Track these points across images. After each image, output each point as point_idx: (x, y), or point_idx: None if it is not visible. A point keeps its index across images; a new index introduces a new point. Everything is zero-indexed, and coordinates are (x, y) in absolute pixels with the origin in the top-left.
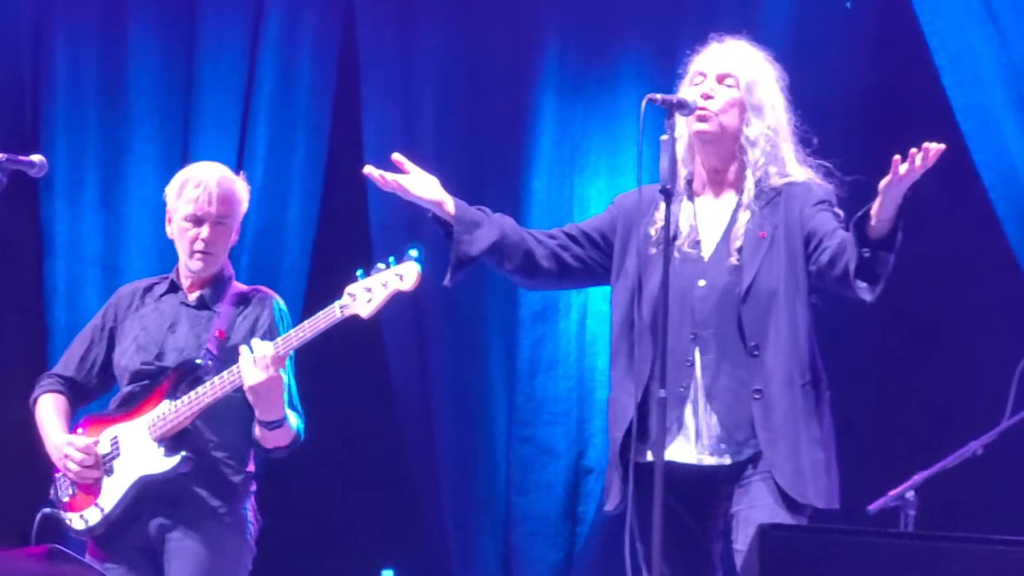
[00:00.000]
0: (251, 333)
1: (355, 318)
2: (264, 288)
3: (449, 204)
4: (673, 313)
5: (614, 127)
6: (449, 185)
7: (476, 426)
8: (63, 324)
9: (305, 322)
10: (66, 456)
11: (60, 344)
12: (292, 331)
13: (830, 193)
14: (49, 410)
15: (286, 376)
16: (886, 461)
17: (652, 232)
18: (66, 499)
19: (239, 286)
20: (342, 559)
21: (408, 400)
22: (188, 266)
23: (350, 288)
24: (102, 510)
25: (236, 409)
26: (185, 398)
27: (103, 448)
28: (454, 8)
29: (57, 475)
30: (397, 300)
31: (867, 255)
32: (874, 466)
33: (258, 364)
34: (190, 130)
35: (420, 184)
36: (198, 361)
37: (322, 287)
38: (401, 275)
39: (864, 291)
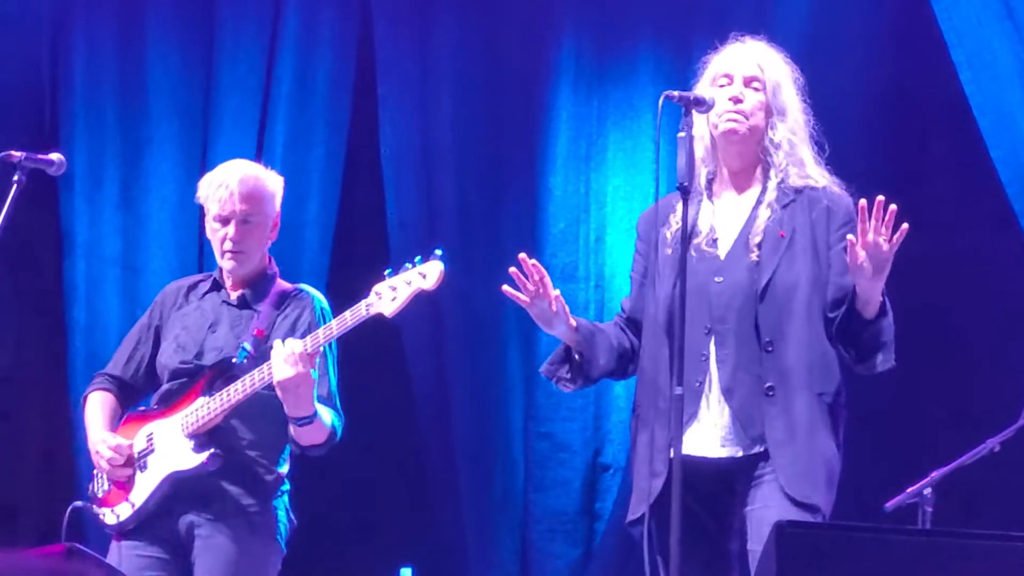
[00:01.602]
0: (291, 333)
1: (378, 316)
2: (307, 287)
3: (572, 334)
4: (690, 309)
5: (630, 124)
6: (467, 183)
7: (494, 423)
8: (82, 323)
9: (333, 320)
10: (97, 453)
11: (79, 343)
12: (320, 329)
13: (849, 211)
14: (94, 407)
15: (318, 374)
16: (903, 458)
17: (668, 235)
18: (101, 494)
19: (283, 284)
20: (361, 557)
21: (426, 397)
22: (223, 266)
23: (377, 287)
24: (133, 505)
25: (271, 408)
26: (219, 395)
27: (139, 444)
28: (470, 6)
29: (96, 471)
30: (416, 299)
31: (869, 340)
32: (891, 463)
33: (287, 361)
34: (209, 129)
35: (549, 319)
36: (234, 359)
37: (341, 285)
38: (424, 274)
39: (882, 364)
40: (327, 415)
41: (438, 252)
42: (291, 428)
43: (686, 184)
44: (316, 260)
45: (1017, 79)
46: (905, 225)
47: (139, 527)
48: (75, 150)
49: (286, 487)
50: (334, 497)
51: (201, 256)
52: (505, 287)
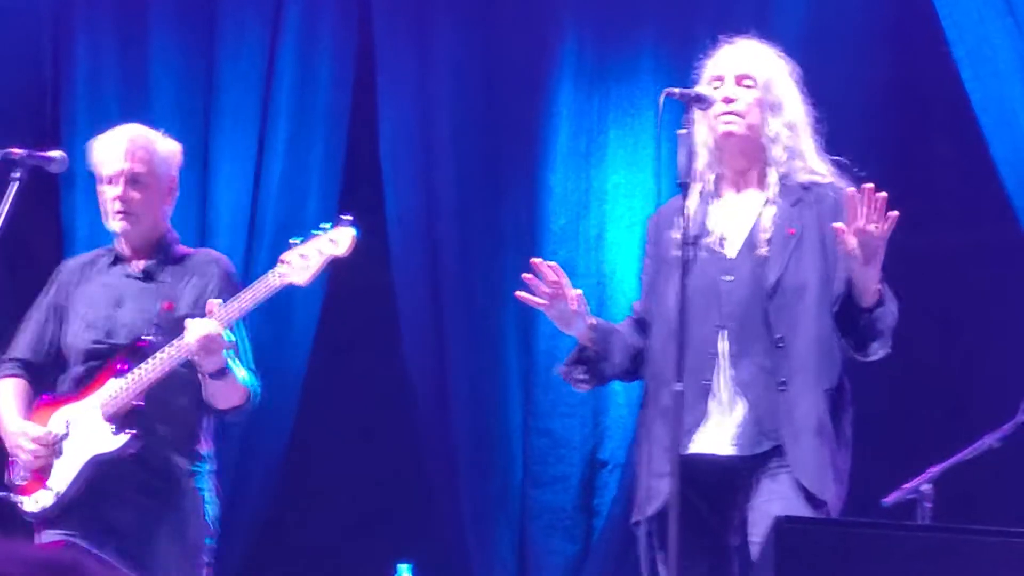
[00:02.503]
0: (199, 300)
1: (291, 286)
2: (211, 251)
3: (590, 333)
4: (699, 308)
5: (631, 121)
6: (467, 179)
7: (492, 419)
8: None
9: (243, 292)
10: (18, 445)
11: None
12: (231, 302)
13: None
14: (6, 395)
15: (231, 336)
16: (902, 454)
17: (676, 236)
18: (20, 483)
19: (184, 250)
20: (359, 553)
21: (425, 393)
22: (111, 228)
23: (285, 255)
24: (55, 492)
25: (188, 384)
26: (132, 375)
27: (57, 429)
28: (470, 3)
29: (11, 458)
30: (413, 294)
31: (867, 327)
32: (890, 459)
33: (200, 344)
34: (210, 126)
35: (569, 319)
36: (146, 336)
37: (341, 282)
38: (335, 240)
39: (875, 352)
40: (240, 370)
41: (347, 217)
42: (206, 390)
43: (686, 181)
44: None
45: (1018, 75)
46: (895, 212)
47: (62, 514)
48: (76, 148)
49: (210, 466)
50: (333, 492)
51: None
52: (519, 293)
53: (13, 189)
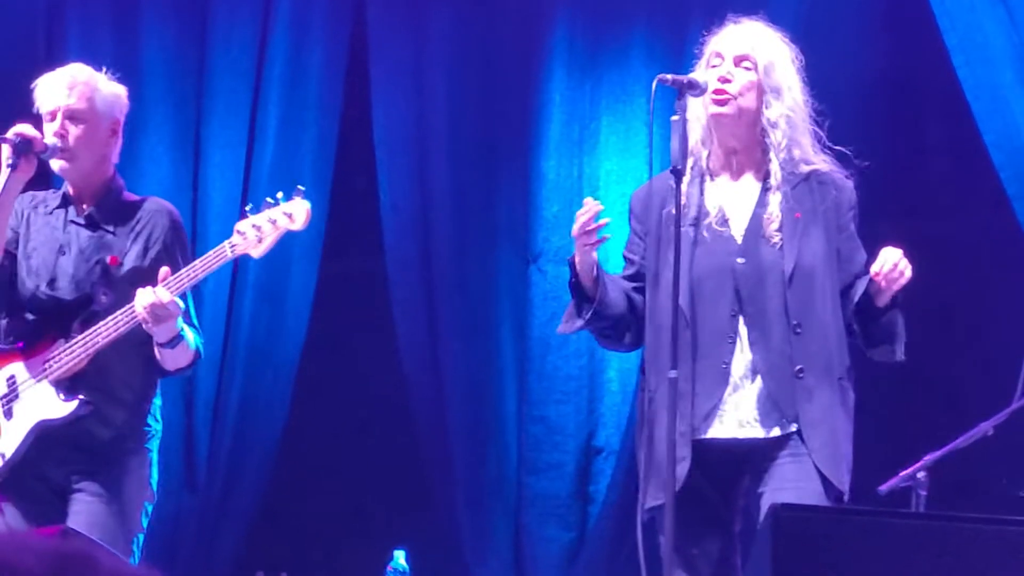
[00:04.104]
0: (145, 252)
1: (245, 256)
2: (159, 200)
3: (593, 267)
4: (711, 289)
5: (623, 107)
6: (460, 166)
7: (487, 406)
8: None
9: (196, 261)
10: None
11: None
12: (183, 271)
13: (854, 195)
14: None
15: (182, 304)
16: (897, 441)
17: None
18: None
19: (130, 197)
20: (355, 540)
21: (419, 380)
22: (52, 166)
23: (239, 225)
24: (3, 455)
25: (135, 347)
26: (81, 339)
27: (0, 388)
28: None
29: None
30: (407, 282)
31: (883, 327)
32: (885, 446)
33: (149, 312)
34: (202, 112)
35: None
36: (93, 297)
37: (334, 270)
38: (291, 214)
39: (890, 355)
40: (190, 335)
41: (301, 188)
42: (157, 353)
43: (680, 167)
44: (309, 244)
45: (1009, 63)
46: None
47: (11, 480)
48: None
49: (157, 428)
50: (328, 481)
51: (194, 237)
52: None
53: (6, 175)
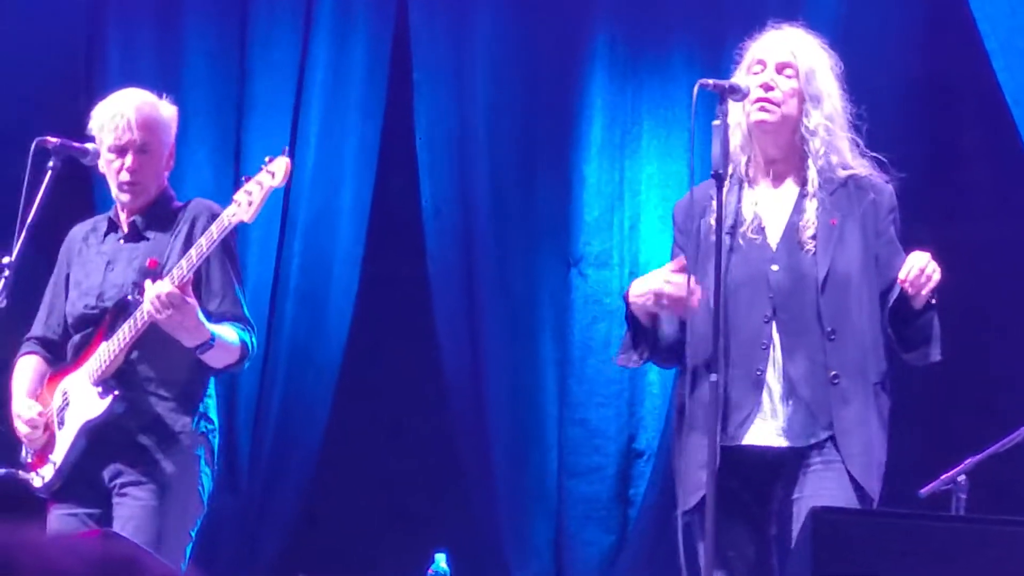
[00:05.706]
0: (186, 248)
1: (240, 223)
2: (200, 200)
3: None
4: (746, 297)
5: (664, 112)
6: (501, 170)
7: (528, 409)
8: None
9: (201, 238)
10: (18, 427)
11: None
12: (184, 258)
13: (893, 199)
14: (18, 374)
15: (215, 293)
16: (937, 445)
17: (712, 222)
18: (29, 459)
19: (178, 204)
20: (396, 542)
21: (460, 384)
22: (118, 199)
23: (236, 195)
24: (54, 464)
25: (175, 343)
26: (116, 336)
27: (56, 402)
28: None
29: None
30: (448, 285)
31: (919, 330)
32: (925, 450)
33: (155, 305)
34: (244, 116)
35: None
36: (128, 296)
37: (376, 273)
38: (272, 172)
39: (926, 358)
40: (230, 333)
41: (285, 148)
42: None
43: (720, 172)
44: (350, 248)
45: None
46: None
47: (65, 486)
48: None
49: (208, 428)
50: (369, 483)
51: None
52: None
53: (48, 178)
